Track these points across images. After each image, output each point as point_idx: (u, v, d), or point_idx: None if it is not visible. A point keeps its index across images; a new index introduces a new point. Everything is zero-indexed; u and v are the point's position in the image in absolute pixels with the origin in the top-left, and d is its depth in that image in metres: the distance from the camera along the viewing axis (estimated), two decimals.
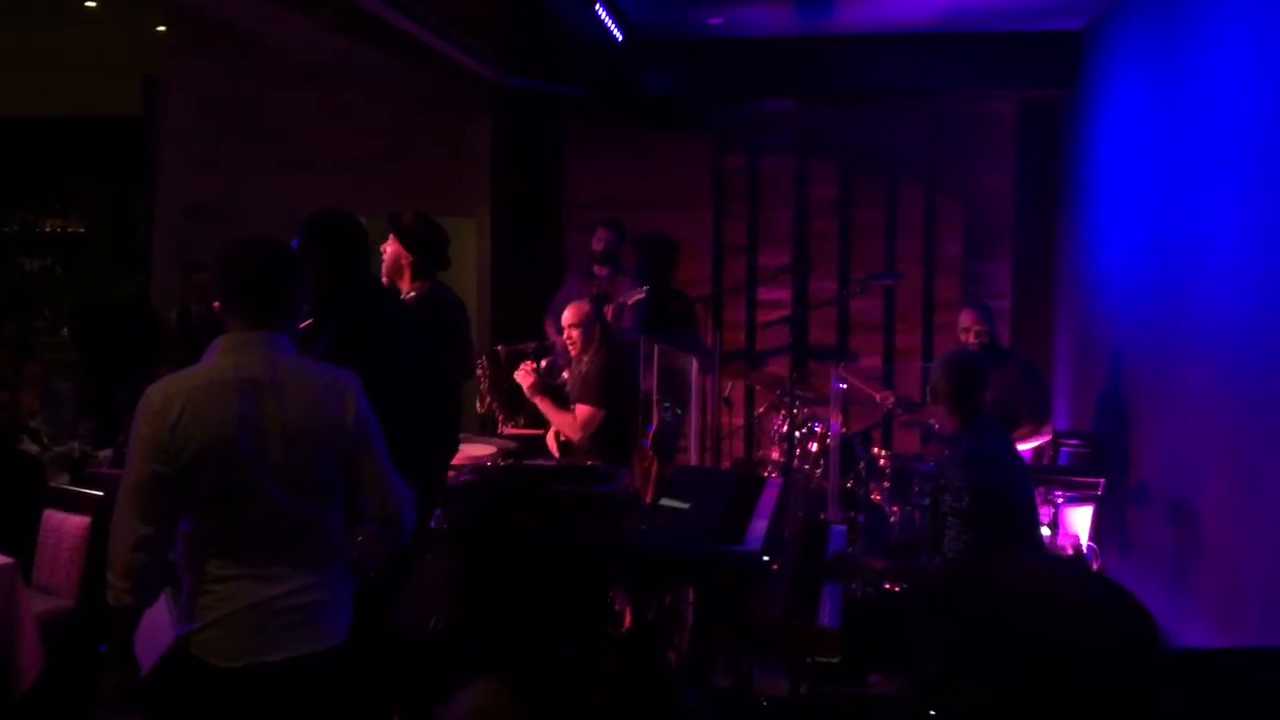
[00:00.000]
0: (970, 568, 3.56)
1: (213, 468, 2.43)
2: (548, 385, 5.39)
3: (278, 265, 2.58)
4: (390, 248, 4.22)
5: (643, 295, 5.69)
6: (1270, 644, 3.90)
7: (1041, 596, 2.43)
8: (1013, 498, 3.65)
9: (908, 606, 3.80)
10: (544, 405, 5.24)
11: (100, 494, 4.50)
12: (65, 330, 9.00)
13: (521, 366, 5.31)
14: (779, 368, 6.89)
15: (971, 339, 5.86)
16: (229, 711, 2.46)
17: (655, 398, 4.94)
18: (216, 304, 2.65)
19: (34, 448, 5.51)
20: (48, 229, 10.79)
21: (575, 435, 5.13)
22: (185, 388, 2.46)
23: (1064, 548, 5.28)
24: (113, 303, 7.94)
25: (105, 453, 5.53)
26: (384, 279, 4.39)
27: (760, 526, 3.62)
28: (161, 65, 8.45)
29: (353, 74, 7.68)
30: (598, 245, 6.36)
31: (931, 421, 5.50)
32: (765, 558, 3.40)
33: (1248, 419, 4.26)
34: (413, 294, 4.26)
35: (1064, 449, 6.14)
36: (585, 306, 5.32)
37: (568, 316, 5.32)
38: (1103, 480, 5.40)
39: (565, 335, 5.33)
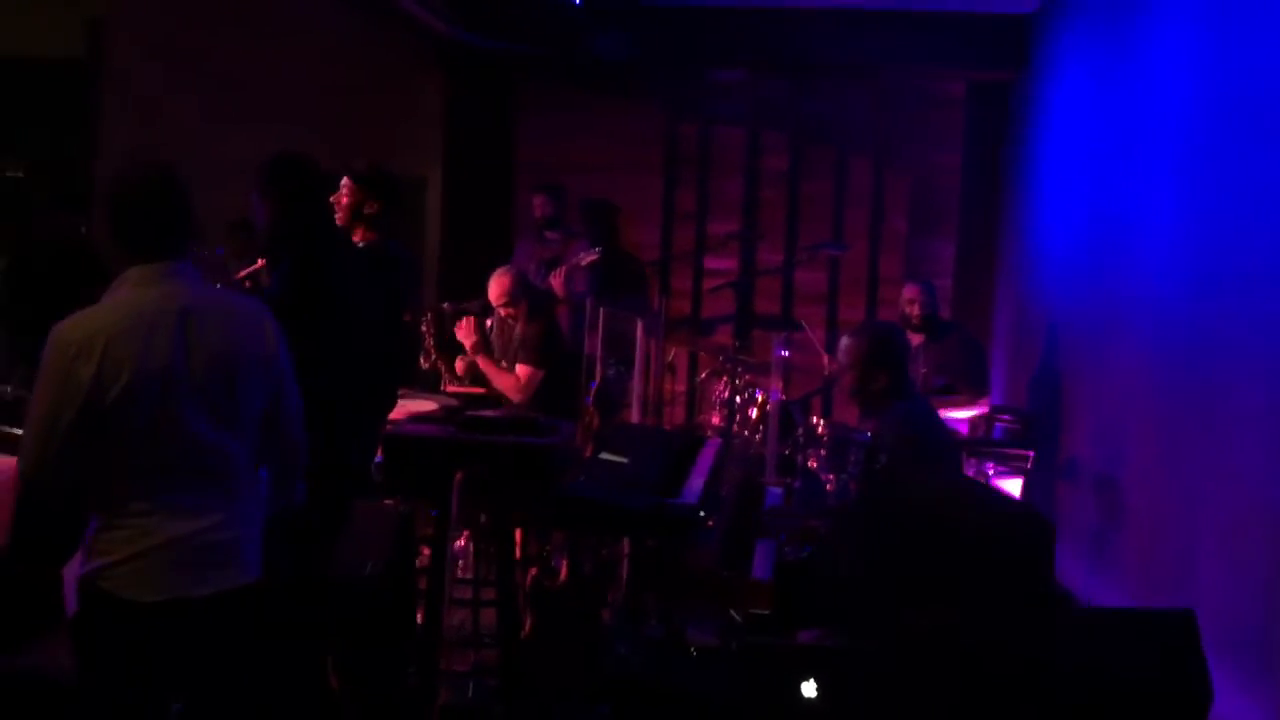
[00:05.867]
0: (884, 486, 3.60)
1: (142, 402, 2.36)
2: (489, 346, 5.42)
3: (179, 192, 2.51)
4: (345, 198, 4.20)
5: (595, 256, 5.72)
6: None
7: (948, 505, 2.53)
8: (943, 454, 3.73)
9: (825, 538, 3.86)
10: (485, 365, 5.28)
11: None
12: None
13: (462, 323, 5.32)
14: (724, 337, 6.95)
15: (916, 310, 5.98)
16: (149, 646, 2.41)
17: (600, 354, 4.99)
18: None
19: None
20: None
21: (517, 396, 5.17)
22: (105, 324, 2.37)
23: None
24: (49, 240, 7.72)
25: None
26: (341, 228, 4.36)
27: (697, 483, 3.68)
28: (105, 7, 8.26)
29: (302, 22, 7.57)
30: (538, 212, 6.39)
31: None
32: (701, 513, 3.46)
33: (1170, 395, 4.38)
34: (363, 245, 4.25)
35: (997, 424, 6.27)
36: (505, 280, 5.33)
37: (494, 293, 5.33)
38: (1032, 454, 5.53)
39: (501, 312, 5.35)
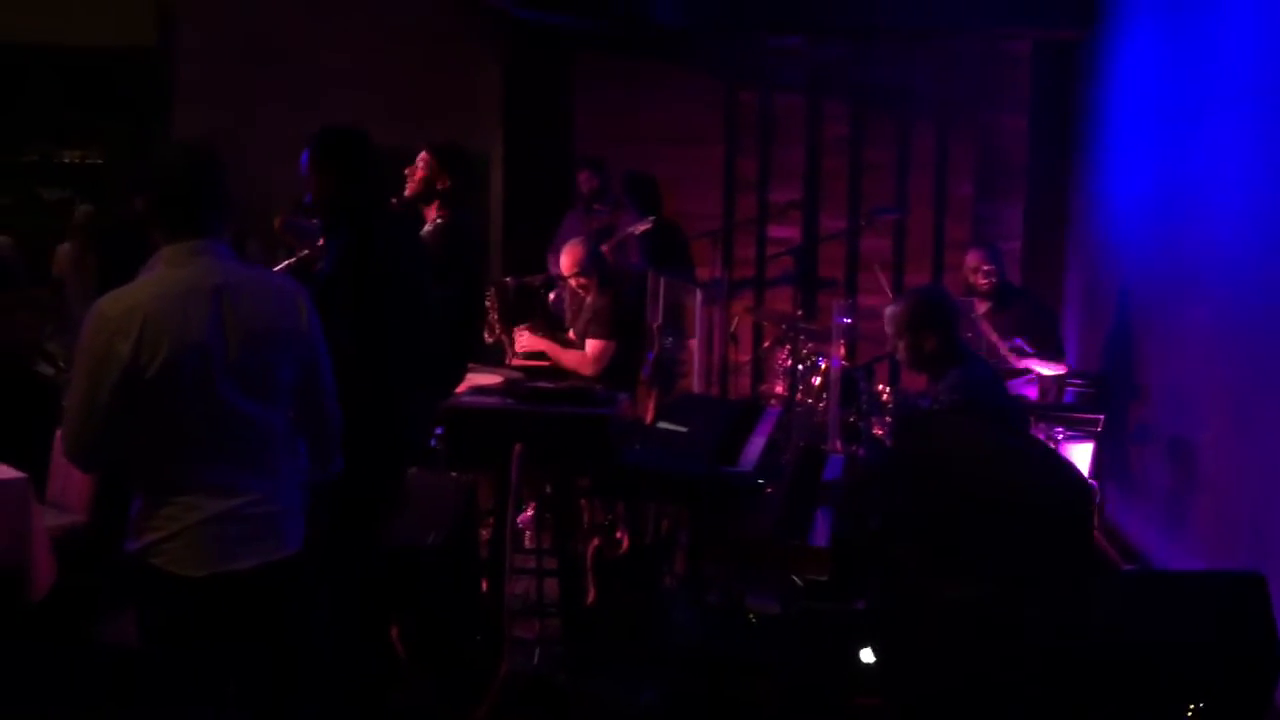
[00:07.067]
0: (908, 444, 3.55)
1: (179, 378, 2.40)
2: (551, 319, 5.46)
3: (214, 171, 2.55)
4: (421, 172, 4.23)
5: (649, 226, 5.73)
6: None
7: (981, 458, 2.50)
8: (998, 419, 3.66)
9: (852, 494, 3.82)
10: (551, 350, 5.27)
11: None
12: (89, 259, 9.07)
13: (516, 336, 5.35)
14: (784, 304, 6.92)
15: (981, 279, 5.86)
16: (201, 620, 2.47)
17: (659, 326, 5.00)
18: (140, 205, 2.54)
19: (49, 370, 5.62)
20: (66, 160, 10.82)
21: (588, 370, 5.15)
22: (142, 300, 2.42)
23: None
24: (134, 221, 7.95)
25: None
26: (410, 201, 4.41)
27: (755, 450, 3.68)
28: None
29: (366, 3, 7.66)
30: (584, 187, 6.44)
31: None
32: (759, 480, 3.46)
33: (1245, 355, 4.28)
34: (438, 220, 4.28)
35: (1069, 388, 6.16)
36: (579, 250, 5.32)
37: (566, 264, 5.33)
38: (1103, 417, 5.43)
39: (572, 282, 5.36)
